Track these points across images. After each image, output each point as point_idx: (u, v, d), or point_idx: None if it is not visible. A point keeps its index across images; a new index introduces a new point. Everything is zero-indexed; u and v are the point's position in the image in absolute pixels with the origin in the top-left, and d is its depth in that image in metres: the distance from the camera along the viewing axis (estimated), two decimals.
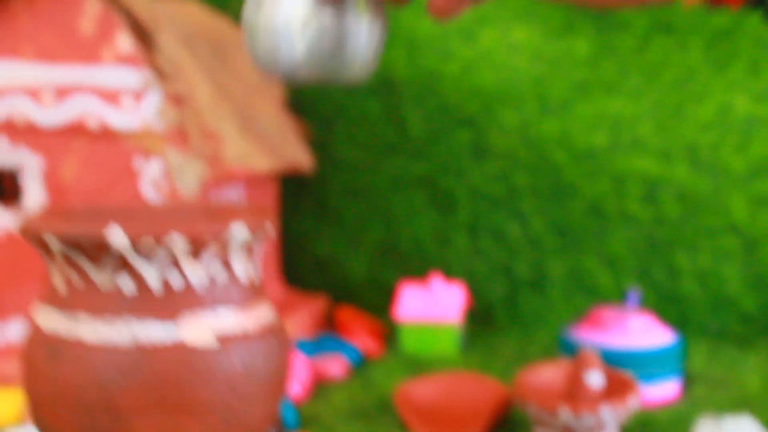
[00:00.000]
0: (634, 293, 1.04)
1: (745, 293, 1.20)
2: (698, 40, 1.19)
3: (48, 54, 0.98)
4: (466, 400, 0.96)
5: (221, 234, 0.52)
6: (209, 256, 0.53)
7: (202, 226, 0.52)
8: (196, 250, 0.52)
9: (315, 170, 1.26)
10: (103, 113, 0.95)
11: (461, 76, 1.26)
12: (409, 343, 1.17)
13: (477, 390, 0.97)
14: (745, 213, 1.19)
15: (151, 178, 0.96)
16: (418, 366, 1.12)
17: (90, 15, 0.96)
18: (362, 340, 1.16)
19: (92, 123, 0.96)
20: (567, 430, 0.84)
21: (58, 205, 0.95)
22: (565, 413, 0.83)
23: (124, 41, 0.95)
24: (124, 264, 0.52)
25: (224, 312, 0.54)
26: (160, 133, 0.94)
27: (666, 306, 1.23)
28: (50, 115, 0.97)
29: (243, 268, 0.56)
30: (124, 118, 0.95)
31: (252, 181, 1.08)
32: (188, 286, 0.53)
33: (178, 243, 0.51)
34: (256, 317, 0.56)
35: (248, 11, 0.56)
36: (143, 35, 0.94)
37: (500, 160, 1.26)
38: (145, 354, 0.52)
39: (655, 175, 1.21)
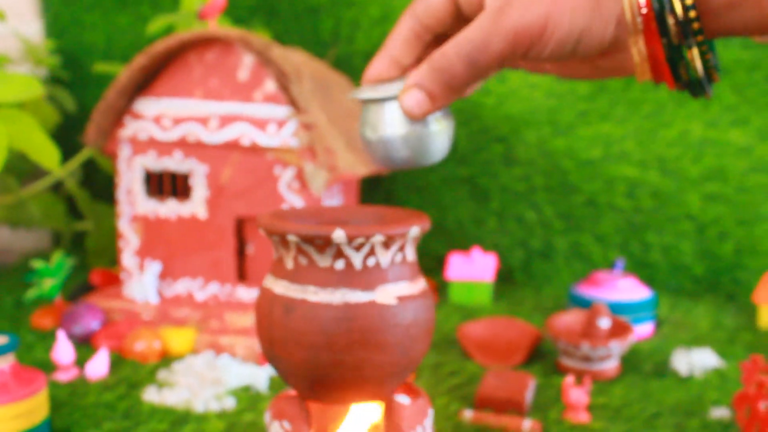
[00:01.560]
0: (620, 261, 1.09)
1: (696, 262, 1.24)
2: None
3: (214, 94, 1.00)
4: (510, 336, 0.99)
5: (405, 233, 0.60)
6: (394, 246, 0.60)
7: (395, 228, 0.59)
8: (388, 243, 0.60)
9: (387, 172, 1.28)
10: (253, 135, 0.98)
11: (496, 106, 1.28)
12: (455, 295, 1.20)
13: (516, 329, 1.00)
14: (697, 206, 1.22)
15: (286, 182, 0.99)
16: (464, 312, 1.15)
17: (246, 66, 0.99)
18: None
19: (245, 141, 0.98)
20: (585, 358, 0.90)
21: (217, 200, 1.01)
22: (585, 346, 0.89)
23: (271, 85, 0.99)
24: (339, 252, 0.59)
25: (400, 281, 0.61)
26: (295, 150, 0.98)
27: (639, 270, 1.26)
28: (214, 136, 0.99)
29: (411, 254, 0.63)
30: (269, 138, 0.98)
31: (346, 180, 1.10)
32: (378, 265, 0.60)
33: (378, 239, 0.59)
34: (418, 285, 0.63)
35: (364, 131, 0.59)
36: (284, 80, 0.97)
37: (523, 166, 1.28)
38: (351, 309, 0.59)
39: (634, 178, 1.24)
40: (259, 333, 0.63)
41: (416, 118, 0.57)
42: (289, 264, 0.61)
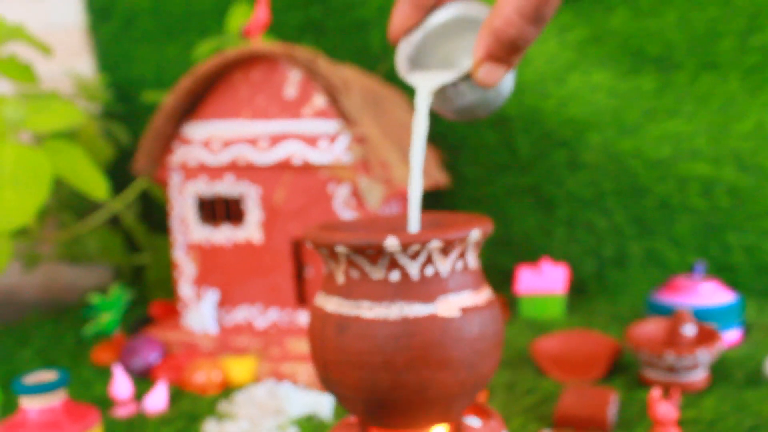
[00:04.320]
0: (701, 265, 1.02)
1: None
2: (736, 74, 1.16)
3: (262, 113, 0.96)
4: (587, 350, 0.93)
5: (465, 237, 0.54)
6: (454, 253, 0.54)
7: (453, 233, 0.53)
8: (447, 249, 0.53)
9: (447, 185, 1.24)
10: (304, 153, 0.93)
11: (557, 110, 1.22)
12: (526, 310, 1.15)
13: (594, 341, 0.94)
14: None
15: (341, 199, 0.94)
16: (536, 327, 1.09)
17: (293, 82, 0.95)
18: None
19: (296, 160, 0.94)
20: (670, 369, 0.83)
21: (271, 223, 0.96)
22: (670, 356, 0.82)
23: (320, 100, 0.94)
24: (393, 262, 0.53)
25: (463, 291, 0.55)
26: (348, 165, 0.93)
27: (721, 273, 1.18)
28: (265, 157, 0.95)
29: (473, 260, 0.57)
30: (321, 155, 0.93)
31: (404, 194, 1.03)
32: (438, 274, 0.54)
33: (435, 245, 0.53)
34: (483, 294, 0.56)
35: (436, 103, 0.58)
36: (333, 93, 0.92)
37: (589, 171, 1.22)
38: (410, 324, 0.53)
39: (709, 175, 1.17)
40: (312, 355, 0.58)
41: (494, 86, 0.55)
42: (340, 278, 0.55)
